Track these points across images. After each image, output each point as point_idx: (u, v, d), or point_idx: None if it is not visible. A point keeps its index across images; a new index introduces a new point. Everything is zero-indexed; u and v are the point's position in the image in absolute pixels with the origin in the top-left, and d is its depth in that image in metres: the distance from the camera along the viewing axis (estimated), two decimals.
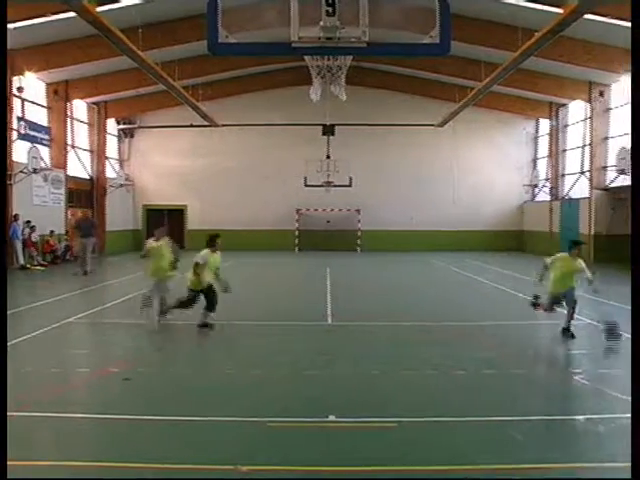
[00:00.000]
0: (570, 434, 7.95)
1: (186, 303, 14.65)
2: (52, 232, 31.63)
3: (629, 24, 25.04)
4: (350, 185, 38.79)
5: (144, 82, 31.85)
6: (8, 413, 8.05)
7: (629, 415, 8.53)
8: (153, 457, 6.95)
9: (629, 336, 11.76)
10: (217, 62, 32.70)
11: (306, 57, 25.91)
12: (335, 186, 38.51)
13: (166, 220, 42.13)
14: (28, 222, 29.28)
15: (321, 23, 9.23)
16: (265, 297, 20.89)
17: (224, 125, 38.39)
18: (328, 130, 38.70)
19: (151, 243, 15.79)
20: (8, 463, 5.79)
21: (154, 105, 40.56)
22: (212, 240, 14.71)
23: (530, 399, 9.33)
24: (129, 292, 19.83)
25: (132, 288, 20.28)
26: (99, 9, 18.89)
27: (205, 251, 14.47)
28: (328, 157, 38.84)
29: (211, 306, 14.45)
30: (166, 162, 43.69)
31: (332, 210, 43.02)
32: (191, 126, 38.55)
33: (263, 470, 6.68)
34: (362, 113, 40.43)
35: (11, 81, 28.42)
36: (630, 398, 6.30)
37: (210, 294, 14.48)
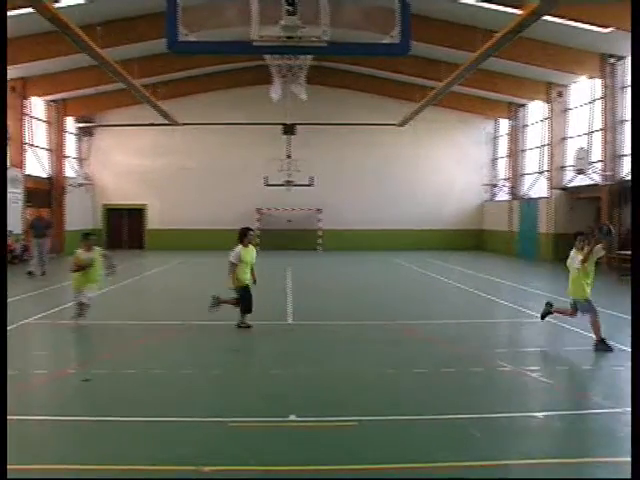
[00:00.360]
0: (528, 431, 8.03)
1: (244, 302, 14.25)
2: (10, 232, 31.15)
3: (587, 26, 25.48)
4: (311, 184, 38.83)
5: (104, 80, 31.52)
6: None
7: (586, 411, 8.70)
8: (113, 458, 6.90)
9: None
10: (177, 60, 32.52)
11: (267, 56, 25.91)
12: (296, 185, 38.51)
13: (124, 225, 42.04)
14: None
15: (282, 22, 9.24)
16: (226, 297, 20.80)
17: (185, 124, 38.17)
18: (289, 129, 38.64)
19: (80, 254, 14.63)
20: None
21: (114, 103, 40.21)
22: (243, 234, 14.29)
23: (488, 397, 9.41)
24: None
25: None
26: (57, 5, 18.72)
27: (238, 248, 14.11)
28: (289, 156, 38.82)
29: (247, 308, 14.17)
30: (126, 161, 43.33)
31: (293, 209, 42.98)
32: (152, 125, 38.27)
33: (225, 470, 6.66)
34: (323, 113, 40.48)
35: None
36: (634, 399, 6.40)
37: (246, 295, 14.18)
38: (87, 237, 15.01)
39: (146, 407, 8.74)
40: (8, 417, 8.18)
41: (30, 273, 25.51)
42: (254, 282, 14.35)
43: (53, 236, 28.14)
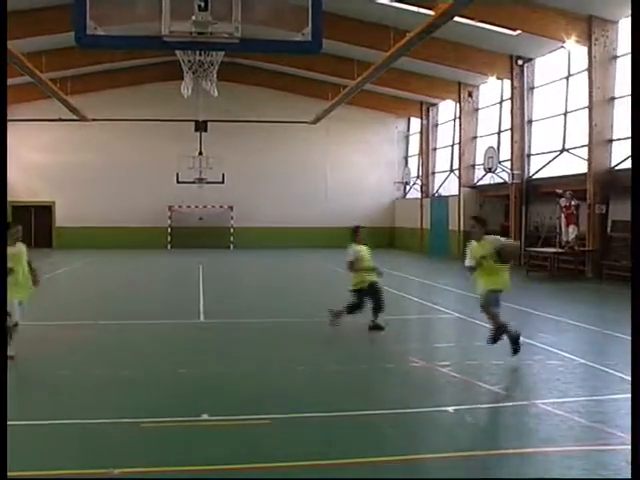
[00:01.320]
0: (439, 425, 8.16)
1: (354, 307, 13.63)
2: None
3: (497, 28, 26.06)
4: (223, 182, 38.70)
5: (9, 73, 30.63)
6: None
7: (495, 404, 8.89)
8: (19, 465, 6.74)
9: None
10: (86, 55, 31.89)
11: (177, 52, 25.61)
12: (208, 183, 38.34)
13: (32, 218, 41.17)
14: None
15: (193, 17, 9.13)
16: (136, 296, 20.57)
17: (94, 120, 37.49)
18: (200, 126, 38.39)
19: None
20: None
21: (20, 97, 39.05)
22: (355, 232, 13.97)
23: (400, 393, 9.52)
24: None
25: None
26: None
27: (353, 246, 13.71)
28: (200, 153, 38.55)
29: (378, 306, 13.55)
30: (33, 157, 42.25)
31: (205, 207, 42.73)
32: (60, 120, 37.42)
33: (136, 472, 6.56)
34: (235, 110, 40.27)
35: None
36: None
37: (375, 293, 13.59)
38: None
39: (54, 410, 8.56)
40: None
41: None
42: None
43: None
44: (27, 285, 11.68)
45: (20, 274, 11.33)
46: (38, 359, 11.40)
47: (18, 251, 11.44)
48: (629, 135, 15.99)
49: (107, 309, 17.18)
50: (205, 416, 8.13)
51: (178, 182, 38.79)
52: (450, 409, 8.57)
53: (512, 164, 30.65)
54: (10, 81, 34.61)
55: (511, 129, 31.15)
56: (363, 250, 13.79)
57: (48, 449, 7.22)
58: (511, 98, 31.11)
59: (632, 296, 6.09)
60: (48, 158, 42.30)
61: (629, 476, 4.99)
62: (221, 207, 42.88)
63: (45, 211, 42.82)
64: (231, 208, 42.76)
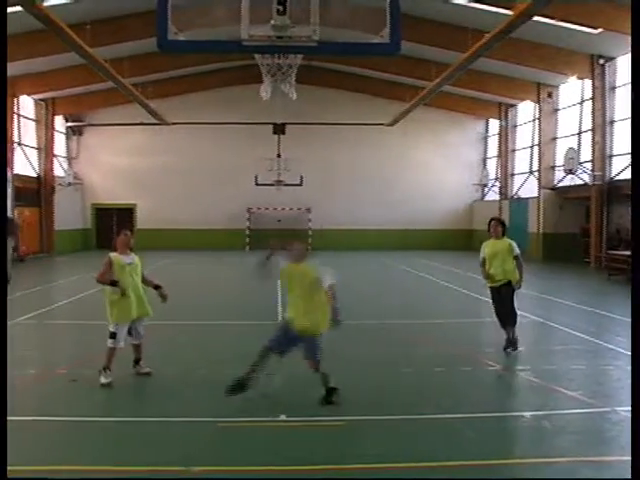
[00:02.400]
0: (517, 430, 8.06)
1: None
2: None
3: (577, 27, 25.56)
4: (301, 184, 38.85)
5: (93, 79, 31.45)
6: None
7: (575, 410, 8.72)
8: (102, 459, 6.89)
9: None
10: (167, 59, 32.45)
11: (256, 55, 25.89)
12: (286, 185, 38.52)
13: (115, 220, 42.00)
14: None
15: (272, 21, 9.22)
16: (215, 297, 20.79)
17: (174, 123, 38.12)
18: (279, 129, 38.69)
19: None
20: None
21: (103, 102, 40.10)
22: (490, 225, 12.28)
23: (478, 396, 9.42)
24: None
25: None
26: (46, 4, 18.69)
27: (484, 242, 12.44)
28: (279, 156, 38.78)
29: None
30: (115, 160, 43.25)
31: (283, 209, 43.00)
32: (141, 124, 38.23)
33: (214, 471, 6.65)
34: (313, 112, 40.43)
35: None
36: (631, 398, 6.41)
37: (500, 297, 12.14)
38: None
39: (134, 408, 8.71)
40: None
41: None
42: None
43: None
44: (144, 301, 10.35)
45: (136, 288, 10.14)
46: (118, 358, 11.62)
47: (132, 261, 10.20)
48: None
49: (186, 309, 17.40)
50: (283, 417, 8.18)
51: (257, 184, 39.11)
52: (528, 414, 8.46)
53: (593, 165, 30.08)
54: (93, 87, 35.58)
55: (592, 130, 30.55)
56: (491, 244, 12.25)
57: (126, 444, 7.36)
58: (592, 98, 30.52)
59: (632, 297, 5.97)
60: (130, 161, 43.19)
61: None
62: (299, 209, 43.10)
63: (127, 213, 43.70)
64: (309, 210, 42.93)
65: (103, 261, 9.94)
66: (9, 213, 23.37)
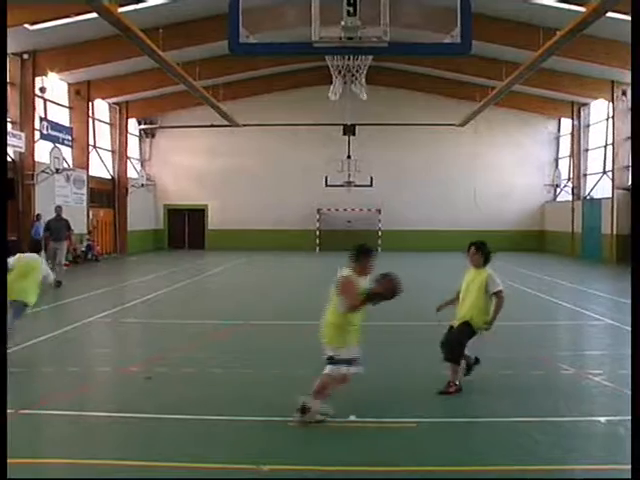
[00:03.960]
0: (591, 435, 7.91)
1: None
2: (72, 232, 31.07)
3: None
4: (371, 185, 38.79)
5: (165, 82, 31.97)
6: (25, 411, 8.18)
7: None
8: (173, 456, 6.97)
9: None
10: (238, 62, 32.84)
11: (327, 57, 25.98)
12: (356, 186, 38.46)
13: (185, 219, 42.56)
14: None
15: (342, 23, 9.22)
16: (285, 297, 20.88)
17: (244, 125, 38.43)
18: (349, 130, 38.70)
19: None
20: (22, 461, 5.86)
21: (175, 105, 40.74)
22: None
23: (550, 400, 9.27)
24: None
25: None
26: (121, 10, 19.01)
27: None
28: (349, 157, 38.74)
29: None
30: (187, 162, 43.87)
31: (353, 210, 43.01)
32: (212, 126, 38.65)
33: (284, 470, 6.68)
34: (382, 112, 40.38)
35: (34, 81, 28.64)
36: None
37: None
38: None
39: (206, 406, 8.80)
40: (72, 412, 8.42)
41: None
42: None
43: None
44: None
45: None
46: (193, 356, 11.76)
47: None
48: None
49: (257, 309, 17.56)
50: (353, 417, 8.17)
51: (327, 185, 39.15)
52: (602, 419, 8.30)
53: None
54: (164, 90, 36.17)
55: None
56: None
57: (198, 442, 7.42)
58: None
59: (632, 296, 5.80)
60: (201, 163, 43.77)
61: None
62: (369, 210, 43.05)
63: (198, 214, 44.27)
64: (379, 211, 42.84)
65: (344, 283, 8.12)
66: (64, 215, 23.43)
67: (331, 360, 8.15)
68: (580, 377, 10.42)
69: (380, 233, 42.59)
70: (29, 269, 11.30)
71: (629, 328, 14.11)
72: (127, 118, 40.15)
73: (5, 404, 6.30)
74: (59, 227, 22.66)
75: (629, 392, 9.39)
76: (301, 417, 7.93)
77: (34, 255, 11.72)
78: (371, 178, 38.52)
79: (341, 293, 8.05)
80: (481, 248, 9.85)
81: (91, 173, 35.22)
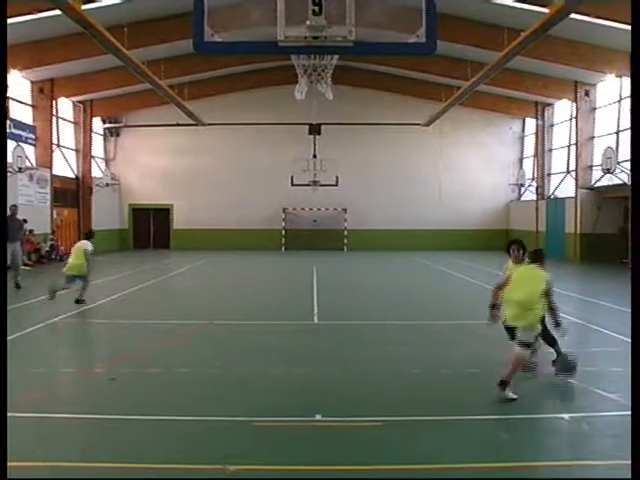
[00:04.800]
0: (555, 432, 7.99)
1: None
2: (31, 231, 30.74)
3: (613, 24, 25.23)
4: (337, 184, 38.77)
5: (130, 81, 31.70)
6: None
7: (613, 413, 8.63)
8: (138, 457, 6.93)
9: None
10: (203, 61, 32.66)
11: (292, 56, 25.93)
12: (322, 185, 38.47)
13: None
14: (25, 220, 25.62)
15: (307, 22, 9.23)
16: (250, 296, 20.84)
17: (210, 124, 38.27)
18: (314, 129, 38.68)
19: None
20: None
21: (140, 104, 40.46)
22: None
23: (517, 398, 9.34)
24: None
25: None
26: (85, 7, 18.84)
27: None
28: (314, 156, 38.72)
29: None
30: (152, 161, 43.60)
31: (319, 209, 43.06)
32: (177, 125, 38.45)
33: (251, 470, 6.67)
34: (348, 112, 40.46)
35: None
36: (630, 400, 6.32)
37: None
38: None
39: (171, 407, 8.76)
40: (35, 414, 8.33)
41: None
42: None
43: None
44: None
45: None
46: (159, 356, 11.70)
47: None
48: None
49: (222, 309, 17.54)
50: (319, 417, 8.18)
51: (292, 185, 39.10)
52: (566, 416, 8.38)
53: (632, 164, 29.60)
54: (129, 88, 35.92)
55: (631, 128, 30.04)
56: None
57: (163, 443, 7.39)
58: (631, 96, 30.00)
59: (632, 296, 5.91)
60: (166, 162, 43.52)
61: None
62: (335, 209, 43.12)
63: (164, 214, 44.04)
64: (345, 210, 42.92)
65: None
66: (20, 215, 22.96)
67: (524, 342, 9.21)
68: (543, 375, 10.49)
69: (346, 232, 42.70)
70: None
71: (593, 326, 14.31)
72: (91, 117, 39.81)
73: (5, 404, 6.24)
74: (14, 228, 21.64)
75: (595, 390, 9.53)
76: (501, 390, 8.93)
77: None
78: (337, 177, 38.51)
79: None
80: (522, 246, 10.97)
81: (55, 172, 34.89)
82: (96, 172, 40.54)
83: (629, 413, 8.34)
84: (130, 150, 43.72)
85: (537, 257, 10.10)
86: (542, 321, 9.99)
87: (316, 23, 9.18)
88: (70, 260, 17.82)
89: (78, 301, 17.21)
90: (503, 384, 8.88)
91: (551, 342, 10.61)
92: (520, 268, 10.12)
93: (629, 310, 13.40)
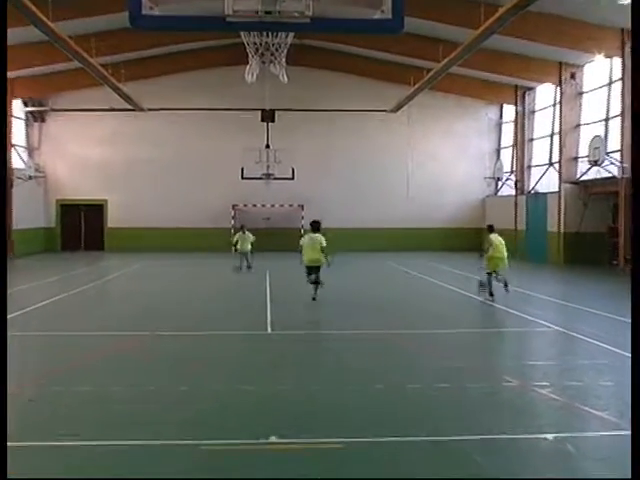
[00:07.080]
0: (536, 454, 8.04)
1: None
2: None
3: None
4: (292, 178, 38.74)
5: (57, 58, 31.30)
6: None
7: (602, 433, 8.70)
8: None
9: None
10: (141, 37, 32.30)
11: (242, 33, 25.83)
12: (276, 179, 38.40)
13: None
14: None
15: None
16: (197, 304, 20.75)
17: (150, 109, 38.07)
18: (267, 116, 38.62)
19: None
20: None
21: (69, 85, 39.98)
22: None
23: (492, 416, 9.39)
24: None
25: None
26: None
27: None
28: (268, 146, 38.62)
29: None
30: (83, 151, 43.14)
31: (272, 206, 42.98)
32: (112, 110, 38.13)
33: None
34: (306, 97, 40.45)
35: None
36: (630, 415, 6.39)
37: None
38: None
39: (105, 429, 8.67)
40: None
41: None
42: None
43: None
44: None
45: None
46: (90, 372, 11.59)
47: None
48: None
49: (166, 319, 17.40)
50: (273, 438, 8.15)
51: (243, 178, 38.97)
52: (549, 436, 8.43)
53: (622, 155, 29.74)
54: (56, 67, 35.48)
55: (621, 114, 30.28)
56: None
57: (90, 472, 7.30)
58: (622, 78, 30.18)
59: (632, 295, 5.95)
60: (100, 152, 43.10)
61: None
62: (290, 206, 43.09)
63: (96, 210, 43.62)
64: (302, 207, 42.85)
65: None
66: None
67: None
68: (525, 390, 10.58)
69: (303, 232, 42.57)
70: None
71: (578, 335, 14.46)
72: (11, 98, 39.18)
73: (5, 403, 6.40)
74: None
75: (579, 405, 9.62)
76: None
77: None
78: (293, 170, 38.47)
79: None
80: None
81: None
82: (17, 163, 39.96)
83: (619, 433, 8.49)
84: (57, 138, 43.20)
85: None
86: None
87: None
88: None
89: None
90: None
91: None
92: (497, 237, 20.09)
93: (618, 317, 13.56)
